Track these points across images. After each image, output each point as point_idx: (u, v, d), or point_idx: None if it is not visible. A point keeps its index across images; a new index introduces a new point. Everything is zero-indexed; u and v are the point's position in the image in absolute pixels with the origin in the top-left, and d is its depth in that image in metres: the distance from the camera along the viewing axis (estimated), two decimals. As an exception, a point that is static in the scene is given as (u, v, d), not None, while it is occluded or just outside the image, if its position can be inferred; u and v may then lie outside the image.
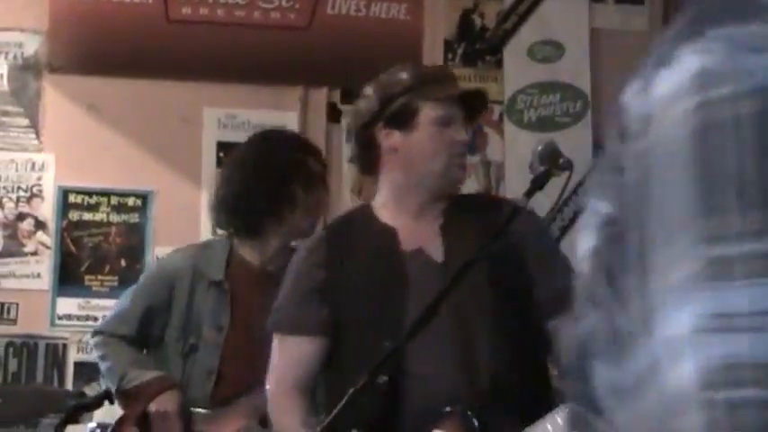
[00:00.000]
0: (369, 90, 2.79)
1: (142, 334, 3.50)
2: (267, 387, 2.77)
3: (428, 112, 2.67)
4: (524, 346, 2.60)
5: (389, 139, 2.70)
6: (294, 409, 2.67)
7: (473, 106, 2.78)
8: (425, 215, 2.66)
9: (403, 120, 2.68)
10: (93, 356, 4.71)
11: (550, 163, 2.57)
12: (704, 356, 0.72)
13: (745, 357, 0.72)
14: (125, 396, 3.43)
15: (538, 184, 2.59)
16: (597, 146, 5.06)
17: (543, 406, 2.45)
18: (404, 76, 2.76)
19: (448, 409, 2.48)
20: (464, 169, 2.72)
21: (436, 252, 2.65)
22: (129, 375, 3.41)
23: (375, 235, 2.68)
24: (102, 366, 3.52)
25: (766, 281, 0.72)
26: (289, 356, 2.71)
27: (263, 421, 3.12)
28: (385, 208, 2.72)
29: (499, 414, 2.49)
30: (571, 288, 2.63)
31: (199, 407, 3.36)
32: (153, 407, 3.35)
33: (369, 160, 2.77)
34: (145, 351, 3.55)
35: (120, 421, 3.51)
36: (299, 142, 3.68)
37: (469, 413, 2.47)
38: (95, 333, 3.61)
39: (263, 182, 3.38)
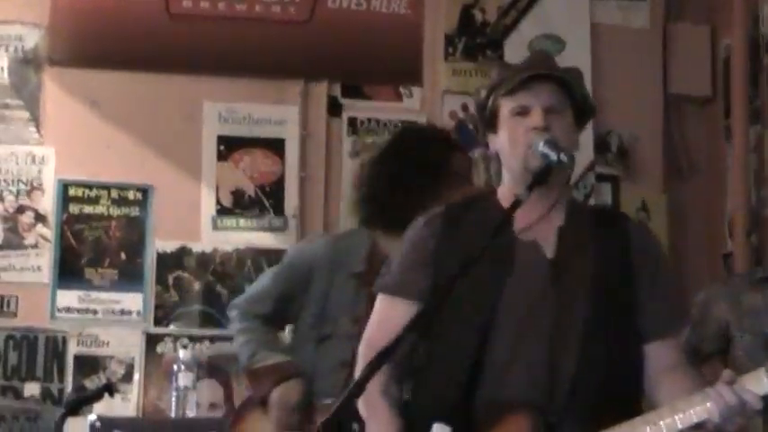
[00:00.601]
0: (474, 97, 2.87)
1: (277, 316, 3.54)
2: (361, 346, 2.76)
3: (505, 107, 2.69)
4: (614, 359, 2.58)
5: (492, 143, 2.75)
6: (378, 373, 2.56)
7: (570, 91, 2.71)
8: (539, 206, 2.63)
9: (492, 122, 2.73)
10: (93, 350, 4.76)
11: (552, 157, 2.57)
12: None
13: None
14: (252, 374, 3.49)
15: (539, 178, 2.58)
16: (598, 141, 5.06)
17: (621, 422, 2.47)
18: (492, 76, 2.79)
19: (528, 402, 2.50)
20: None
21: (548, 248, 2.64)
22: (258, 355, 3.46)
23: (492, 216, 2.65)
24: (237, 340, 3.57)
25: None
26: (386, 317, 2.71)
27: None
28: (503, 195, 2.73)
29: (571, 422, 2.50)
30: (679, 322, 2.56)
31: (327, 396, 3.36)
32: (275, 394, 3.38)
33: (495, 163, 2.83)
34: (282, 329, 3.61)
35: (246, 403, 3.58)
36: (446, 138, 3.68)
37: (542, 414, 2.48)
38: (232, 306, 3.66)
39: (411, 177, 3.39)
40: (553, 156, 2.56)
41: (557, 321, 2.55)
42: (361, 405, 2.63)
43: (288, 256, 3.72)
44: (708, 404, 2.39)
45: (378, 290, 2.79)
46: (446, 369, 2.58)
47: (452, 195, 3.32)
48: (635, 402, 2.60)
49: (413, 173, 3.40)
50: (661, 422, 2.40)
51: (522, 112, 2.65)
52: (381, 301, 2.76)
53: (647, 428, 2.41)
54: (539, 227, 2.61)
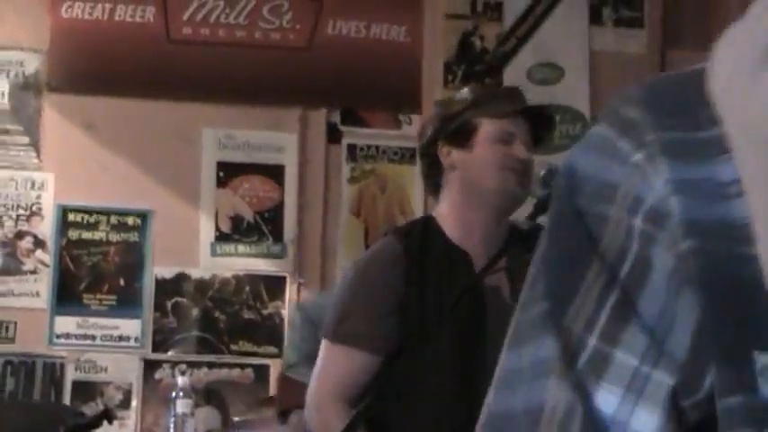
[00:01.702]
0: (433, 109, 2.80)
1: None
2: (310, 396, 2.65)
3: (487, 129, 2.65)
4: None
5: (449, 157, 2.68)
6: (339, 420, 2.52)
7: (540, 125, 2.74)
8: (494, 239, 2.60)
9: (462, 137, 2.66)
10: (91, 375, 4.75)
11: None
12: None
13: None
14: (284, 382, 3.53)
15: (541, 207, 2.58)
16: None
17: None
18: (466, 93, 2.75)
19: None
20: (525, 187, 2.64)
21: (505, 290, 2.62)
22: (299, 368, 3.41)
23: (451, 259, 2.62)
24: (288, 340, 3.68)
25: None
26: (343, 369, 2.59)
27: None
28: (449, 225, 2.68)
29: None
30: None
31: None
32: (295, 418, 3.32)
33: (433, 179, 2.75)
34: None
35: (264, 416, 3.72)
36: None
37: None
38: (299, 308, 3.71)
39: None
40: None
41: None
42: (316, 411, 2.62)
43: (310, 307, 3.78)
44: None
45: (337, 339, 2.63)
46: (435, 418, 2.52)
47: None
48: None
49: None
50: None
51: (507, 138, 2.65)
52: (340, 352, 2.62)
53: None
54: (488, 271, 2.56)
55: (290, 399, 3.42)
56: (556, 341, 0.73)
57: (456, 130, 2.67)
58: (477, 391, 2.54)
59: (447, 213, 2.70)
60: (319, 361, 2.67)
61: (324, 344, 2.67)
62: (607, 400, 0.71)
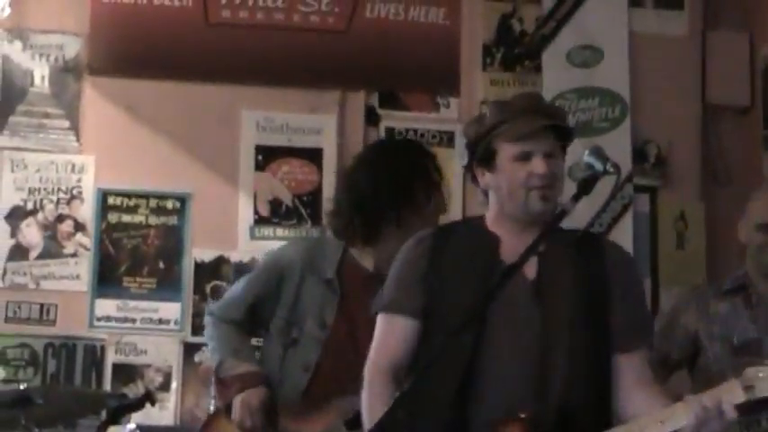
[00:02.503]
0: (465, 131, 2.90)
1: (250, 321, 3.56)
2: (366, 368, 2.82)
3: (506, 152, 2.75)
4: (595, 372, 2.69)
5: (483, 178, 2.83)
6: (382, 394, 2.71)
7: (561, 133, 2.81)
8: (526, 236, 2.71)
9: (487, 161, 2.79)
10: (131, 358, 4.79)
11: (598, 167, 2.59)
12: None
13: None
14: (219, 383, 3.53)
15: (585, 188, 2.60)
16: (636, 151, 5.04)
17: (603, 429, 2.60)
18: (487, 116, 2.84)
19: (521, 415, 2.58)
20: (546, 200, 2.72)
21: (530, 270, 2.72)
22: (225, 364, 3.50)
23: (479, 238, 2.80)
24: (209, 346, 3.64)
25: None
26: (387, 335, 2.82)
27: (350, 423, 3.16)
28: (491, 221, 2.84)
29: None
30: (647, 335, 2.67)
31: (291, 400, 3.43)
32: (237, 399, 3.40)
33: (482, 192, 2.89)
34: (256, 335, 3.64)
35: (214, 413, 3.66)
36: (420, 148, 3.73)
37: (534, 427, 2.56)
38: (208, 313, 3.69)
39: (386, 184, 3.42)
40: (599, 165, 2.60)
41: (541, 339, 2.66)
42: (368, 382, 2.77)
43: (262, 260, 3.78)
44: (688, 413, 2.48)
45: (376, 310, 2.87)
46: (437, 385, 2.62)
47: (429, 204, 3.42)
48: (611, 415, 2.71)
49: (382, 179, 3.44)
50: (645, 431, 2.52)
51: (525, 158, 2.73)
52: (381, 321, 2.86)
53: None
54: (522, 246, 2.65)
55: (229, 393, 3.45)
56: None
57: (482, 156, 2.80)
58: (477, 355, 2.63)
59: (490, 212, 2.86)
60: (374, 335, 2.87)
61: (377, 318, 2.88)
62: None
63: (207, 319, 3.66)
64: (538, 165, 2.71)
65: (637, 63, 5.13)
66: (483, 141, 2.78)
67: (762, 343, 3.55)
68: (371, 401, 2.75)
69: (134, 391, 4.67)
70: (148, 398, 3.54)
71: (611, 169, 2.60)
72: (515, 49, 5.14)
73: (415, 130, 5.06)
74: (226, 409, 3.47)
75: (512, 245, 2.71)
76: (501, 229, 2.80)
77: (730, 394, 2.47)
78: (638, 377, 2.72)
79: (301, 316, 3.47)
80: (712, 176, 5.20)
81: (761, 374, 2.45)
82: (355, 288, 3.44)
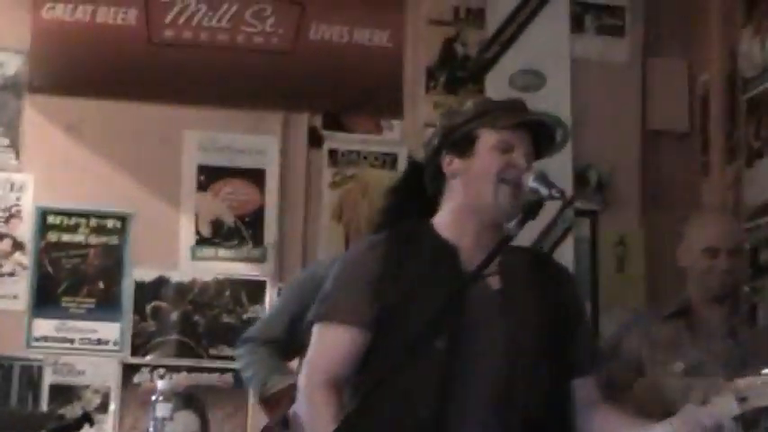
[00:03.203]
0: (439, 120, 2.87)
1: (289, 338, 3.50)
2: (300, 381, 2.71)
3: (487, 139, 2.71)
4: (555, 394, 2.67)
5: (450, 165, 2.75)
6: (327, 405, 2.60)
7: (542, 138, 2.77)
8: (485, 243, 2.65)
9: (464, 147, 2.73)
10: (69, 379, 4.73)
11: (544, 192, 2.60)
12: None
13: None
14: (267, 402, 3.46)
15: (530, 212, 2.60)
16: (577, 175, 5.08)
17: None
18: (469, 105, 2.81)
19: None
20: (518, 198, 2.66)
21: (494, 281, 2.68)
22: (270, 382, 3.45)
23: (437, 247, 2.71)
24: (245, 375, 3.55)
25: None
26: (331, 346, 2.67)
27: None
28: (443, 226, 2.75)
29: None
30: (599, 361, 2.58)
31: None
32: (292, 410, 3.29)
33: (434, 189, 2.81)
34: (294, 358, 3.55)
35: (264, 430, 3.55)
36: None
37: None
38: (242, 341, 3.60)
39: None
40: (544, 190, 2.60)
41: (507, 351, 2.62)
42: (306, 396, 2.66)
43: (298, 277, 3.74)
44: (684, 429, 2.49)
45: (318, 318, 2.72)
46: (407, 396, 2.56)
47: None
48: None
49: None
50: None
51: (507, 148, 2.70)
52: (325, 330, 2.69)
53: None
54: (481, 256, 2.58)
55: (281, 408, 3.38)
56: None
57: (458, 140, 2.74)
58: (448, 372, 2.57)
59: (443, 217, 2.77)
60: (310, 346, 2.73)
61: (313, 328, 2.74)
62: None
63: (240, 350, 3.59)
64: (518, 158, 2.67)
65: (578, 88, 5.17)
66: (463, 127, 2.74)
67: (704, 367, 3.58)
68: (314, 415, 2.63)
69: (71, 412, 4.61)
70: (87, 419, 3.49)
71: (557, 194, 2.59)
72: (458, 73, 5.17)
73: (359, 152, 5.07)
74: (282, 423, 3.35)
75: (470, 255, 2.64)
76: (456, 234, 2.71)
77: (726, 408, 2.47)
78: (591, 398, 2.72)
79: None
80: (652, 201, 5.25)
81: (752, 385, 2.47)
82: None
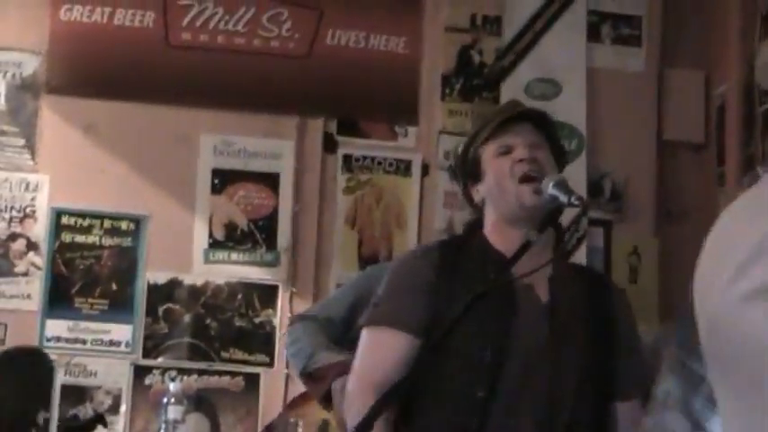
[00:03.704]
0: (454, 161, 2.92)
1: (348, 320, 3.44)
2: (348, 386, 2.71)
3: (488, 152, 2.76)
4: (599, 413, 2.65)
5: (478, 194, 2.81)
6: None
7: (540, 124, 2.80)
8: (534, 252, 2.60)
9: (475, 172, 2.79)
10: (81, 380, 4.73)
11: (563, 199, 2.58)
12: None
13: None
14: (310, 377, 3.34)
15: (549, 219, 2.59)
16: (591, 184, 5.08)
17: None
18: (468, 133, 2.88)
19: None
20: (537, 194, 2.65)
21: (542, 293, 2.67)
22: (316, 356, 3.34)
23: (489, 256, 2.71)
24: (290, 350, 3.44)
25: None
26: (382, 351, 2.65)
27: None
28: (492, 236, 2.76)
29: None
30: (648, 378, 2.64)
31: None
32: (338, 384, 3.19)
33: (477, 215, 2.85)
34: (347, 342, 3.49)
35: (303, 395, 3.50)
36: None
37: None
38: (298, 318, 3.55)
39: None
40: (564, 197, 2.59)
41: (555, 366, 2.60)
42: (353, 401, 2.63)
43: (368, 269, 3.72)
44: None
45: (370, 322, 2.72)
46: (454, 407, 2.57)
47: None
48: None
49: None
50: None
51: (506, 151, 2.73)
52: (376, 335, 2.69)
53: None
54: (526, 266, 2.57)
55: (323, 383, 3.27)
56: None
57: (469, 169, 2.79)
58: (495, 380, 2.56)
59: (490, 230, 2.79)
60: (357, 350, 2.72)
61: (362, 333, 2.74)
62: None
63: (294, 326, 3.49)
64: (519, 152, 2.69)
65: (594, 97, 5.17)
66: (467, 153, 2.78)
67: None
68: (355, 417, 2.56)
69: (83, 412, 4.62)
70: (100, 420, 3.51)
71: (576, 202, 2.58)
72: (474, 80, 5.17)
73: (373, 158, 5.07)
74: (323, 399, 3.26)
75: (521, 266, 2.58)
76: (503, 242, 2.70)
77: None
78: (633, 422, 2.64)
79: None
80: (666, 211, 5.24)
81: None
82: None
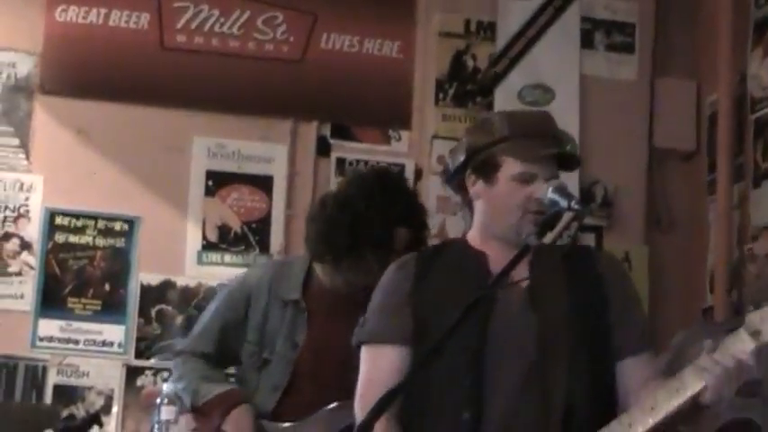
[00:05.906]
0: (463, 137, 2.85)
1: (221, 350, 3.51)
2: (356, 403, 2.72)
3: (509, 168, 2.71)
4: (598, 385, 2.65)
5: (474, 186, 2.77)
6: (383, 428, 2.56)
7: (564, 162, 2.78)
8: (515, 249, 2.63)
9: (486, 171, 2.74)
10: (73, 380, 4.75)
11: (563, 204, 2.59)
12: None
13: None
14: (199, 412, 3.42)
15: (548, 223, 2.60)
16: (583, 191, 5.10)
17: None
18: (495, 123, 2.79)
19: None
20: (537, 224, 2.66)
21: (517, 303, 2.67)
22: (200, 392, 3.42)
23: (465, 256, 2.74)
24: (178, 387, 3.50)
25: None
26: (380, 369, 2.69)
27: None
28: (473, 239, 2.78)
29: None
30: (650, 339, 2.61)
31: (263, 419, 3.36)
32: (228, 424, 3.33)
33: (463, 201, 2.85)
34: (228, 368, 3.57)
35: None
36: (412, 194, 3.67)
37: None
38: (176, 354, 3.60)
39: (377, 222, 3.36)
40: (563, 202, 2.60)
41: (542, 349, 2.61)
42: None
43: (228, 287, 3.70)
44: (701, 376, 2.40)
45: (360, 342, 2.76)
46: (446, 402, 2.59)
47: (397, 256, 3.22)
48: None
49: (376, 221, 3.37)
50: (661, 403, 2.43)
51: (529, 179, 2.69)
52: (367, 353, 2.74)
53: (649, 419, 2.43)
54: (509, 257, 2.59)
55: (213, 419, 3.37)
56: None
57: (481, 164, 2.75)
58: (481, 368, 2.58)
59: (473, 231, 2.80)
60: (360, 369, 2.75)
61: (361, 353, 2.77)
62: None
63: (175, 362, 3.57)
64: (540, 189, 2.66)
65: (587, 104, 5.19)
66: (487, 150, 2.73)
67: (762, 384, 3.52)
68: None
69: (75, 413, 4.63)
70: (95, 420, 3.51)
71: (576, 206, 2.58)
72: (468, 86, 5.18)
73: (366, 162, 5.08)
74: None
75: (499, 259, 2.63)
76: (486, 246, 2.73)
77: (739, 344, 2.39)
78: (643, 377, 2.63)
79: (271, 337, 3.43)
80: (656, 220, 5.27)
81: (763, 318, 2.38)
82: (321, 306, 3.42)
